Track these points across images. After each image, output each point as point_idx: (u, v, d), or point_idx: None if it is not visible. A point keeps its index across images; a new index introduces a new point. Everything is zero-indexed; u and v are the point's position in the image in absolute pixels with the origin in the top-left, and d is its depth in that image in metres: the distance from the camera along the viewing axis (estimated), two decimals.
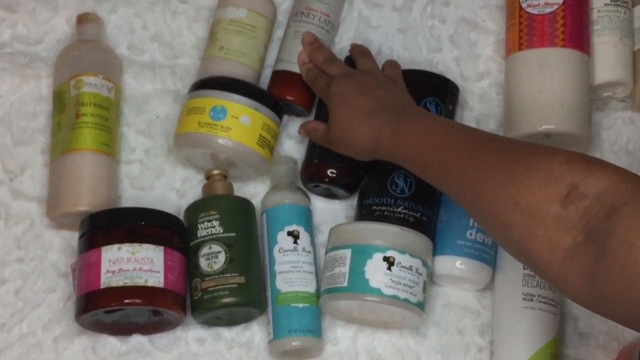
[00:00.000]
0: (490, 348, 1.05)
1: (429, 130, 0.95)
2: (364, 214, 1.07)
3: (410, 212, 1.06)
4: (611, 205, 0.76)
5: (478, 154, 0.88)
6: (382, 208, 1.06)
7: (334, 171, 1.09)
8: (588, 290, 0.77)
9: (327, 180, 1.10)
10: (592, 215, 0.77)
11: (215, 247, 1.03)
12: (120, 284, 0.99)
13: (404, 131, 0.97)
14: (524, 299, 1.03)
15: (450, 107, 1.12)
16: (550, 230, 0.79)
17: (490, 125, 1.15)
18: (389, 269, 1.00)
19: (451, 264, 1.06)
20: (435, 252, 1.06)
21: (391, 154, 0.99)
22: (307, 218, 1.07)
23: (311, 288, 1.04)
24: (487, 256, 1.06)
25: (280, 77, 1.13)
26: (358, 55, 1.11)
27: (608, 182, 0.78)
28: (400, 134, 0.97)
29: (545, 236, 0.79)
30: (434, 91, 1.11)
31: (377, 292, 0.99)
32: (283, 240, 1.05)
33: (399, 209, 1.06)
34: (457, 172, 0.89)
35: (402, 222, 1.04)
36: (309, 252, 1.06)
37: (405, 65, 1.13)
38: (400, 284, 1.00)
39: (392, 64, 1.12)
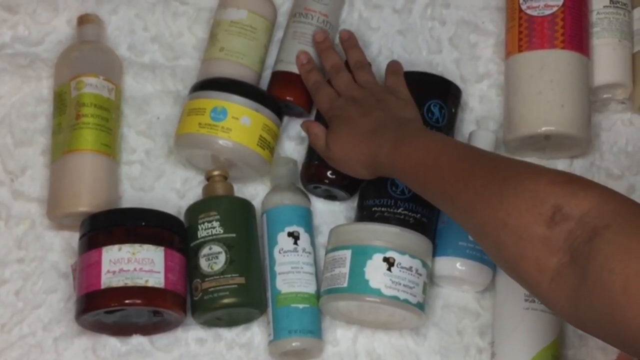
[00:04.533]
0: (491, 349, 1.05)
1: (425, 149, 0.95)
2: (364, 215, 1.07)
3: (410, 214, 1.06)
4: (593, 228, 0.76)
5: (470, 174, 0.89)
6: (383, 209, 1.06)
7: (334, 173, 1.09)
8: (574, 312, 0.78)
9: (327, 181, 1.10)
10: (576, 237, 0.77)
11: (216, 248, 1.03)
12: (121, 284, 0.99)
13: (401, 149, 0.97)
14: (526, 300, 1.03)
15: (453, 110, 1.12)
16: (537, 251, 0.79)
17: (490, 127, 1.15)
18: (389, 269, 1.00)
19: (452, 265, 1.06)
20: (436, 253, 1.06)
21: (390, 171, 0.99)
22: (307, 219, 1.07)
23: (311, 289, 1.04)
24: (488, 258, 1.06)
25: (280, 78, 1.13)
26: (357, 68, 1.11)
27: (592, 204, 0.78)
28: (398, 151, 0.98)
29: (533, 257, 0.80)
30: (438, 94, 1.11)
31: (377, 292, 1.00)
32: (283, 241, 1.05)
33: (399, 210, 1.06)
34: (450, 191, 0.90)
35: (402, 223, 1.05)
36: (309, 252, 1.06)
37: (405, 67, 1.13)
38: (400, 284, 1.00)
39: (394, 69, 1.12)
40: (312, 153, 1.11)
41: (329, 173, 1.09)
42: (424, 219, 1.06)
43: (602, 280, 0.74)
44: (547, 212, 0.79)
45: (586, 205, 0.78)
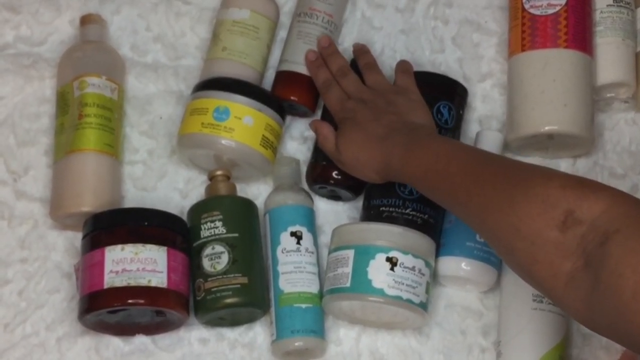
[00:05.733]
0: (497, 349, 1.05)
1: (436, 154, 0.95)
2: (372, 214, 1.07)
3: (418, 214, 1.05)
4: (604, 232, 0.76)
5: (480, 178, 0.89)
6: (390, 209, 1.06)
7: (340, 173, 1.09)
8: (588, 315, 0.78)
9: (332, 182, 1.10)
10: (588, 242, 0.77)
11: (219, 248, 1.03)
12: (124, 284, 0.99)
13: (413, 154, 0.97)
14: (534, 301, 1.03)
15: (461, 112, 1.12)
16: (551, 256, 0.79)
17: (493, 126, 1.15)
18: (391, 269, 1.00)
19: (457, 265, 1.05)
20: (442, 252, 1.06)
21: (401, 176, 0.99)
22: (310, 218, 1.07)
23: (314, 288, 1.04)
24: (494, 258, 1.06)
25: (284, 77, 1.13)
26: (366, 69, 1.11)
27: (602, 207, 0.78)
28: (410, 156, 0.97)
29: (547, 262, 0.80)
30: (447, 95, 1.11)
31: (380, 292, 0.99)
32: (286, 240, 1.05)
33: (407, 211, 1.06)
34: (462, 196, 0.90)
35: (409, 223, 1.04)
36: (312, 252, 1.06)
37: None
38: (403, 284, 1.00)
39: (404, 68, 1.11)
40: (317, 153, 1.11)
41: (334, 173, 1.09)
42: (431, 219, 1.06)
43: (613, 285, 0.74)
44: (559, 216, 0.79)
45: (597, 209, 0.78)
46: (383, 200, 1.07)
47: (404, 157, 0.98)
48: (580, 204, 0.78)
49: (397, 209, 1.06)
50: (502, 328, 1.05)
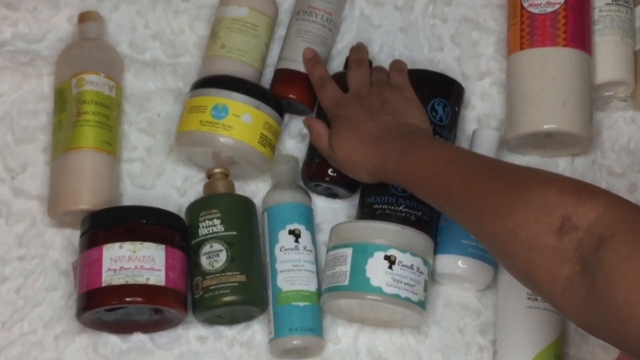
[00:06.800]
0: (494, 347, 1.05)
1: (434, 157, 0.95)
2: (366, 212, 1.07)
3: (411, 211, 1.05)
4: (599, 238, 0.76)
5: (479, 183, 0.89)
6: (384, 207, 1.06)
7: (335, 170, 1.09)
8: (585, 320, 0.78)
9: (328, 179, 1.10)
10: (585, 247, 0.78)
11: (217, 246, 1.03)
12: (122, 282, 0.99)
13: (409, 157, 0.97)
14: (529, 299, 1.03)
15: (457, 109, 1.12)
16: (549, 261, 0.80)
17: (492, 125, 1.15)
18: (390, 267, 1.00)
19: (453, 263, 1.06)
20: (438, 250, 1.06)
21: (396, 179, 0.99)
22: (308, 217, 1.07)
23: (312, 287, 1.04)
24: (489, 256, 1.06)
25: (283, 75, 1.13)
26: (375, 70, 1.11)
27: (598, 213, 0.78)
28: (406, 160, 0.97)
29: (546, 267, 0.80)
30: (442, 92, 1.11)
31: (378, 290, 0.99)
32: (284, 238, 1.05)
33: (400, 208, 1.06)
34: (459, 201, 0.90)
35: (403, 220, 1.04)
36: (310, 250, 1.06)
37: (407, 65, 1.13)
38: (401, 282, 1.00)
39: (398, 67, 1.11)
40: (313, 150, 1.11)
41: (330, 171, 1.09)
42: (424, 216, 1.06)
43: (607, 291, 0.74)
44: (556, 222, 0.79)
45: (593, 214, 0.78)
46: (376, 198, 1.07)
47: (399, 160, 0.97)
48: (577, 209, 0.79)
49: (390, 206, 1.06)
50: (498, 326, 1.05)
